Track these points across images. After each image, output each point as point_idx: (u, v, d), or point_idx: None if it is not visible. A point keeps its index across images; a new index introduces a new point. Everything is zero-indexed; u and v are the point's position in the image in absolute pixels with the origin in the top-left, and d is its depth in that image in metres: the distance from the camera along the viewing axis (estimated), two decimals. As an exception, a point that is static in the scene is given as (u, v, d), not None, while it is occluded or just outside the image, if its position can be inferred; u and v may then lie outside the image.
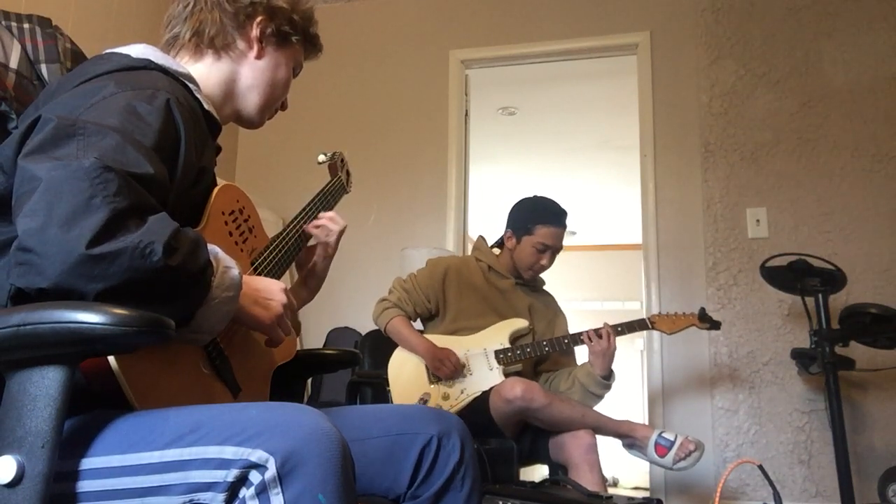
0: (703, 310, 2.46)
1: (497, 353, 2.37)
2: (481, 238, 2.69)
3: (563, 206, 2.54)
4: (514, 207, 2.59)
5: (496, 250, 2.62)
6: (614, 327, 2.38)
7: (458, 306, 2.47)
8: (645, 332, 3.28)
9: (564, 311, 2.66)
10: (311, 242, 1.35)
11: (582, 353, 2.52)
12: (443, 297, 2.49)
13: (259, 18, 1.16)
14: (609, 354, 2.33)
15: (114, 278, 0.75)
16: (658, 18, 3.52)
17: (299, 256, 1.34)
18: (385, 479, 1.07)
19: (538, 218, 2.48)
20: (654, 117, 3.45)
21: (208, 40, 1.14)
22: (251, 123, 1.23)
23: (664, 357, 3.23)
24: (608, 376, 2.35)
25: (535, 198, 2.59)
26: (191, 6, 1.14)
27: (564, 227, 2.51)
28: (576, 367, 2.48)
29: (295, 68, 1.25)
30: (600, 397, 2.38)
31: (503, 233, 2.58)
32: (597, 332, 2.36)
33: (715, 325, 2.46)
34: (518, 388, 2.14)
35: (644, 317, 2.46)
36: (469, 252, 2.80)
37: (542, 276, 2.61)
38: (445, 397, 2.32)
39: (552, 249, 2.47)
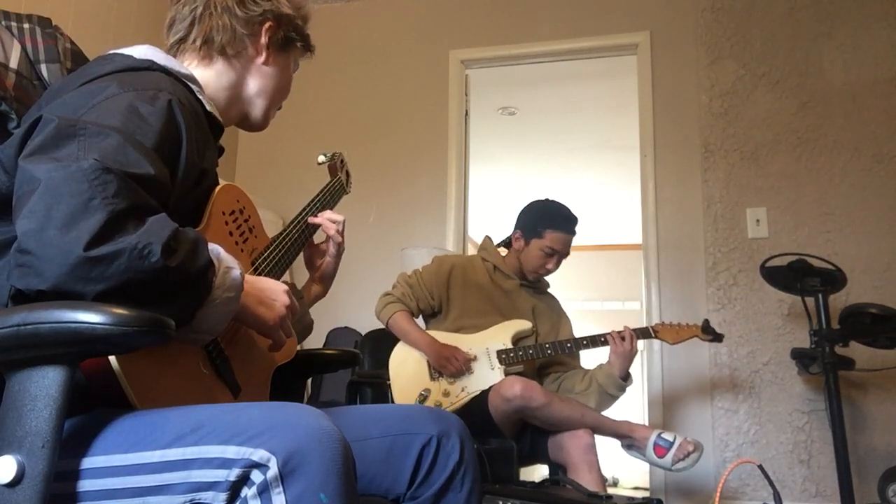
0: (706, 322, 2.48)
1: (499, 352, 2.37)
2: (488, 238, 2.69)
3: (574, 213, 2.54)
4: (525, 208, 2.59)
5: (502, 250, 2.62)
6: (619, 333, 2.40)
7: (462, 305, 2.47)
8: (645, 332, 3.30)
9: (566, 311, 2.66)
10: (319, 240, 1.36)
11: (586, 356, 2.52)
12: (446, 295, 2.48)
13: (268, 25, 1.16)
14: (631, 356, 2.37)
15: (112, 280, 0.75)
16: (658, 18, 3.52)
17: (309, 255, 1.36)
18: (385, 480, 1.07)
19: (549, 222, 2.48)
20: (654, 117, 3.45)
21: (219, 47, 1.13)
22: (258, 127, 1.24)
23: (664, 357, 3.23)
24: (626, 377, 2.37)
25: (548, 201, 2.59)
26: (199, 10, 1.13)
27: (574, 233, 2.51)
28: (588, 368, 2.48)
29: (293, 68, 1.26)
30: (615, 399, 2.39)
31: (512, 233, 2.58)
32: (619, 334, 2.37)
33: (717, 338, 2.48)
34: (517, 387, 2.14)
35: (647, 325, 2.47)
36: (470, 251, 2.80)
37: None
38: (446, 394, 2.31)
39: (559, 254, 2.48)
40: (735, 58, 3.39)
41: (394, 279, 2.58)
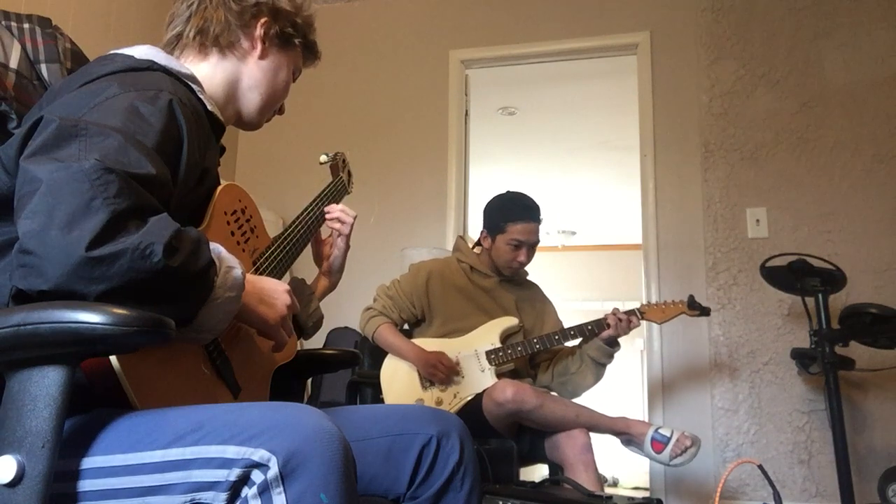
0: (691, 297, 2.45)
1: (488, 353, 2.36)
2: (461, 238, 2.69)
3: (534, 199, 2.51)
4: (486, 206, 2.56)
5: (477, 249, 2.61)
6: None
7: (445, 310, 2.46)
8: (645, 333, 3.30)
9: (564, 312, 2.65)
10: (326, 235, 1.39)
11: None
12: (427, 303, 2.47)
13: (263, 19, 1.16)
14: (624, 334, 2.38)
15: (114, 280, 0.75)
16: (658, 18, 3.52)
17: (317, 249, 1.39)
18: (385, 480, 1.08)
19: (508, 215, 2.47)
20: (654, 117, 3.45)
21: (213, 39, 1.14)
22: (250, 125, 1.23)
23: (664, 357, 3.23)
24: (613, 344, 2.37)
25: (506, 194, 2.58)
26: (195, 5, 1.14)
27: (537, 221, 2.48)
28: (574, 345, 2.47)
29: (294, 72, 1.25)
30: (607, 365, 2.39)
31: (480, 233, 2.58)
32: (626, 319, 2.35)
33: (704, 312, 2.44)
34: (509, 391, 2.13)
35: (634, 308, 2.45)
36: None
37: (530, 269, 2.61)
38: (439, 402, 2.31)
39: (526, 245, 2.45)
40: (735, 58, 3.39)
41: (394, 279, 2.58)
